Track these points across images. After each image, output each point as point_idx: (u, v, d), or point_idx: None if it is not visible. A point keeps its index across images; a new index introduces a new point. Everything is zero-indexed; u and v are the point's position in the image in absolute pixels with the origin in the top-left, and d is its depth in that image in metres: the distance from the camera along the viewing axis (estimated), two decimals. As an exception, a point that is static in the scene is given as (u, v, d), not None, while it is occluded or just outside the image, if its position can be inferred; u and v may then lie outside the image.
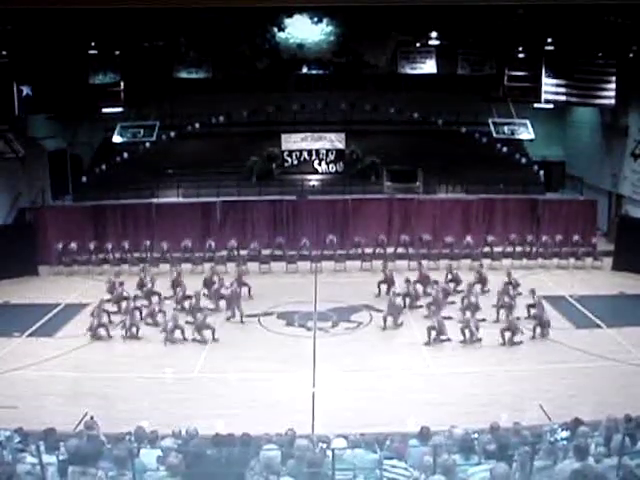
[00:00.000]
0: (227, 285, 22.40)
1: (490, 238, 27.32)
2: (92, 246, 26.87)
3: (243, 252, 27.06)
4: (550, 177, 33.08)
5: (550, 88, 27.23)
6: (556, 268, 26.17)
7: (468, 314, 19.63)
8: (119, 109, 28.78)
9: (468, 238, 27.05)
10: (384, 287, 23.07)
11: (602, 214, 29.77)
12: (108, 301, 21.37)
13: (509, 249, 27.16)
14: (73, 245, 26.72)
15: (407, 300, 22.00)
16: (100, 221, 28.41)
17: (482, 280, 22.82)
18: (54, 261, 26.58)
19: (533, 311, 19.92)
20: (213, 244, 26.95)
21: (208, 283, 23.21)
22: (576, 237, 27.12)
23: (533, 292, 20.42)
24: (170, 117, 31.63)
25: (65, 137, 32.44)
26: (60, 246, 26.57)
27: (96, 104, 27.99)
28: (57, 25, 22.86)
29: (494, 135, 29.34)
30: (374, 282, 24.14)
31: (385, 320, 20.32)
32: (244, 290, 22.99)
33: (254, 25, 25.78)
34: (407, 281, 22.46)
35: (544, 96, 27.50)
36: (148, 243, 27.15)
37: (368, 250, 27.11)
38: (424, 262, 25.09)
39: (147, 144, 30.01)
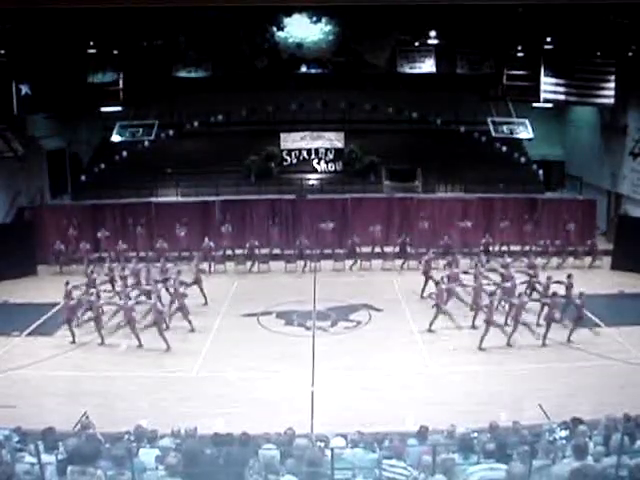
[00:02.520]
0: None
1: (488, 237, 27.28)
2: (88, 246, 26.71)
3: (239, 251, 27.03)
4: (549, 176, 33.10)
5: (549, 87, 27.25)
6: (555, 268, 26.12)
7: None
8: (118, 108, 28.87)
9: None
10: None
11: (601, 213, 29.76)
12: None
13: (506, 248, 27.18)
14: (72, 244, 26.69)
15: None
16: (99, 220, 28.38)
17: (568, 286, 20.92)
18: (53, 260, 26.56)
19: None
20: (212, 243, 26.77)
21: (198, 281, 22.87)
22: (575, 236, 27.09)
23: (582, 294, 19.44)
24: (169, 116, 31.64)
25: (64, 136, 32.44)
26: (59, 245, 26.52)
27: (95, 103, 28.09)
28: (56, 24, 22.90)
29: (493, 134, 29.34)
30: (373, 281, 24.11)
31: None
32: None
33: (253, 24, 25.79)
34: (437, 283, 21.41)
35: (543, 95, 27.52)
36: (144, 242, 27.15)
37: (367, 249, 27.07)
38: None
39: (146, 143, 29.98)
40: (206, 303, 22.55)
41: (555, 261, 26.61)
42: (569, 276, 21.02)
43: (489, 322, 18.70)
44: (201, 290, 22.61)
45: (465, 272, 22.90)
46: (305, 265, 26.41)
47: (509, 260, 23.86)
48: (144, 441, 10.19)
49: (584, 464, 7.43)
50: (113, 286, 22.89)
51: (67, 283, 20.68)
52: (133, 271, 23.16)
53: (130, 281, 22.71)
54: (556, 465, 7.82)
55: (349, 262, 26.80)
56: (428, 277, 22.78)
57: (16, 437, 10.36)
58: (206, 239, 26.56)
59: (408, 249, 26.71)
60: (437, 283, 20.95)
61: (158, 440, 10.29)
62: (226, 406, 15.04)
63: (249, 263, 26.59)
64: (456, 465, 7.86)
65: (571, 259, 26.65)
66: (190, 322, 20.30)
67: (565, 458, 8.01)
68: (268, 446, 8.44)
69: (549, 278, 21.13)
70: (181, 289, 20.80)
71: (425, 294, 22.47)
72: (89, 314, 20.04)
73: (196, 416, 13.22)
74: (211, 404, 15.19)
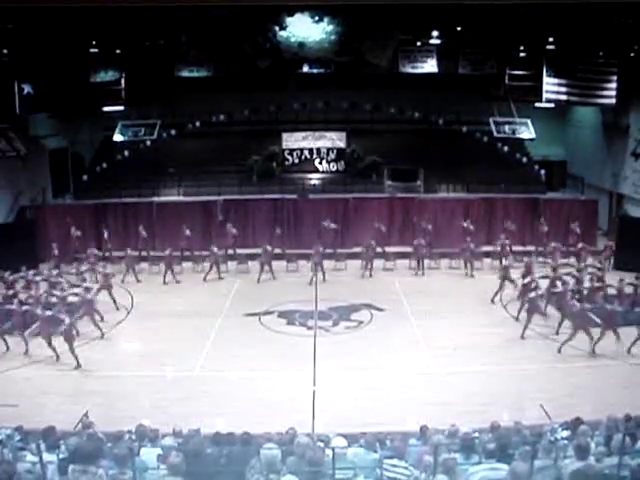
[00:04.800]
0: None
1: (504, 238, 26.94)
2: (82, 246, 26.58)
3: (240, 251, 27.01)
4: (551, 176, 33.07)
5: (551, 87, 27.24)
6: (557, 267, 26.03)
7: None
8: (120, 107, 28.87)
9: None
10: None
11: (603, 213, 29.76)
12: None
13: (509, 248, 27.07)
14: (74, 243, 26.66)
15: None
16: (101, 220, 28.41)
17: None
18: (55, 260, 26.51)
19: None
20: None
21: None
22: (577, 237, 27.00)
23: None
24: (171, 116, 31.64)
25: (66, 136, 32.46)
26: (60, 245, 26.37)
27: (97, 102, 28.07)
28: (58, 23, 22.87)
29: (495, 134, 29.34)
30: (374, 281, 24.05)
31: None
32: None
33: (255, 24, 25.77)
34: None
35: (545, 95, 27.50)
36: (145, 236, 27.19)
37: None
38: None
39: (148, 143, 30.02)
40: (117, 309, 21.98)
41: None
42: (637, 277, 21.30)
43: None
44: (110, 295, 21.99)
45: (544, 277, 22.34)
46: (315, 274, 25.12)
47: (583, 264, 23.67)
48: (145, 440, 10.20)
49: (585, 464, 7.44)
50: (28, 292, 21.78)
51: None
52: (47, 277, 22.63)
53: (43, 287, 21.90)
54: (558, 465, 7.82)
55: (350, 261, 26.71)
56: (510, 281, 22.27)
57: (17, 436, 10.40)
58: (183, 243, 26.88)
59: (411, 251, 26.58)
60: (534, 288, 20.35)
61: (160, 439, 10.29)
62: (227, 406, 15.04)
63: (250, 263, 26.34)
64: (457, 465, 7.86)
65: (572, 259, 26.54)
66: (100, 328, 19.75)
67: (566, 458, 8.01)
68: (269, 445, 8.44)
69: (622, 280, 21.32)
70: (88, 295, 20.14)
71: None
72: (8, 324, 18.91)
73: (197, 415, 13.24)
74: (212, 403, 15.19)
